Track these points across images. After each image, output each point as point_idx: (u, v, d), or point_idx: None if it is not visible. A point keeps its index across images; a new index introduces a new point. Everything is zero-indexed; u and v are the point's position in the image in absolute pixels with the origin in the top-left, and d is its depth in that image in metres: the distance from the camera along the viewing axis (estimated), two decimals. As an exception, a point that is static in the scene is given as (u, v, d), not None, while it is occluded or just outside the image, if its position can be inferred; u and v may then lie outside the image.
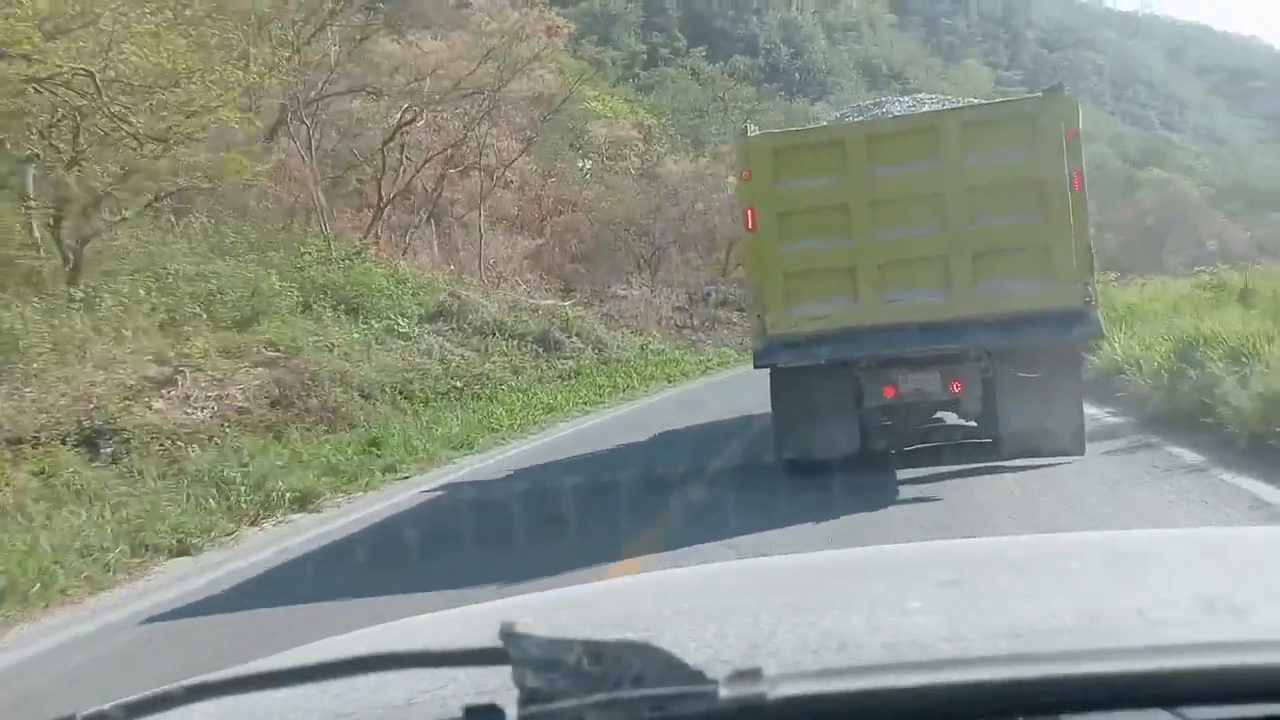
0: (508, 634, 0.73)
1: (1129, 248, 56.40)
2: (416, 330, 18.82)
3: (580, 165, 40.58)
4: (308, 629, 4.11)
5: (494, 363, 18.26)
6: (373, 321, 18.49)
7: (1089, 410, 7.70)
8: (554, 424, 13.49)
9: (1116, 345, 9.66)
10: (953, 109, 7.57)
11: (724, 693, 0.69)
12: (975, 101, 8.82)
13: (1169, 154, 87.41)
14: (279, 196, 24.00)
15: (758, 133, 7.27)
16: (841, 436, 6.97)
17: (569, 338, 20.60)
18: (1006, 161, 6.60)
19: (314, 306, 17.83)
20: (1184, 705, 0.75)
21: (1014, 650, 0.80)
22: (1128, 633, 0.83)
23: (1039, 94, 6.95)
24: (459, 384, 15.85)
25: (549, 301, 24.46)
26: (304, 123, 21.36)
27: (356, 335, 17.23)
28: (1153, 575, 1.12)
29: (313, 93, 22.98)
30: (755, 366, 7.08)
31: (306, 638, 1.44)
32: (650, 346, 23.85)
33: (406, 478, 9.46)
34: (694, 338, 28.32)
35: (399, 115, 23.41)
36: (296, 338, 15.14)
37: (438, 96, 22.74)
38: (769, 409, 7.28)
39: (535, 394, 15.92)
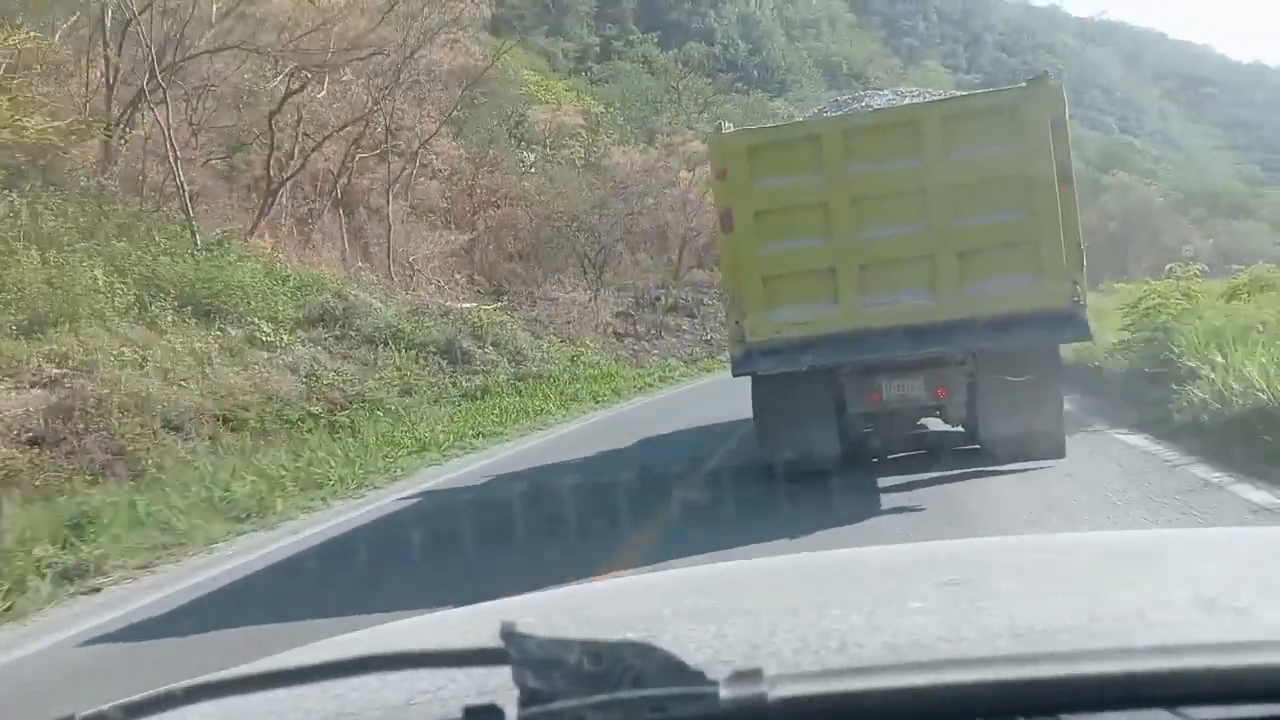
0: (508, 634, 0.72)
1: (1094, 253, 54.33)
2: (287, 338, 15.13)
3: (524, 157, 36.92)
4: None
5: (380, 379, 14.62)
6: (229, 328, 14.76)
7: (1237, 490, 5.50)
8: (417, 470, 9.86)
9: (1250, 371, 6.41)
10: (934, 101, 7.27)
11: (724, 693, 0.69)
12: (957, 93, 8.53)
13: (1130, 158, 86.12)
14: (146, 176, 20.14)
15: (732, 129, 6.98)
16: (825, 444, 6.80)
17: (481, 348, 17.00)
18: (991, 155, 6.32)
19: (151, 308, 14.08)
20: (1184, 705, 0.73)
21: (1014, 650, 0.80)
22: (1128, 633, 0.83)
23: (1023, 84, 6.60)
24: (318, 409, 12.18)
25: (466, 304, 20.83)
26: (161, 85, 17.52)
27: (198, 345, 13.49)
28: (1153, 575, 1.12)
29: (185, 54, 19.19)
30: (734, 374, 6.75)
31: None
32: (583, 358, 20.34)
33: (99, 589, 5.66)
34: (636, 347, 24.84)
35: (286, 80, 19.64)
36: (97, 349, 11.38)
37: (331, 56, 18.95)
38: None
39: (417, 423, 12.30)
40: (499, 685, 0.74)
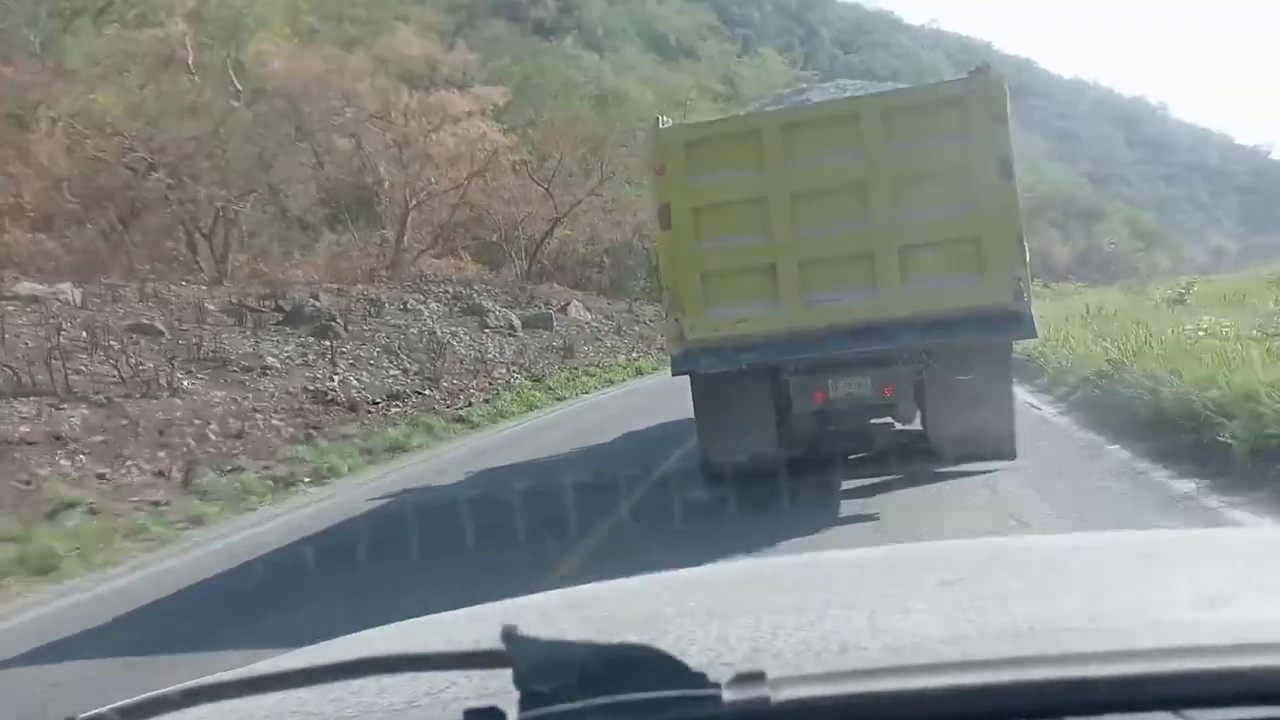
0: (509, 636, 0.71)
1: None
2: None
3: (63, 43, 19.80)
4: None
5: None
6: None
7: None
8: None
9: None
10: (874, 94, 7.07)
11: (726, 696, 0.68)
12: (898, 86, 8.91)
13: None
14: None
15: (670, 124, 6.73)
16: (769, 445, 6.44)
17: None
18: (933, 149, 6.03)
19: None
20: (1186, 707, 0.72)
21: (1016, 652, 0.78)
22: (1130, 634, 0.82)
23: (964, 75, 6.28)
24: None
25: None
26: None
27: None
28: (1154, 576, 1.11)
29: None
30: (673, 374, 6.47)
31: None
32: None
33: None
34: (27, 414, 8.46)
35: None
36: None
37: None
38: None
39: None
40: (500, 687, 0.72)
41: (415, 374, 14.00)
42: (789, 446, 6.55)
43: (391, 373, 13.80)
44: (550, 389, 15.53)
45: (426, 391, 13.35)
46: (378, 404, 12.39)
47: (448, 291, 22.34)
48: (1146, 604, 0.91)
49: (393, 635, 1.19)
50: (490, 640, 0.72)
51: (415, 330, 16.50)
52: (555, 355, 19.17)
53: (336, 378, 12.59)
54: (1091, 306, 15.84)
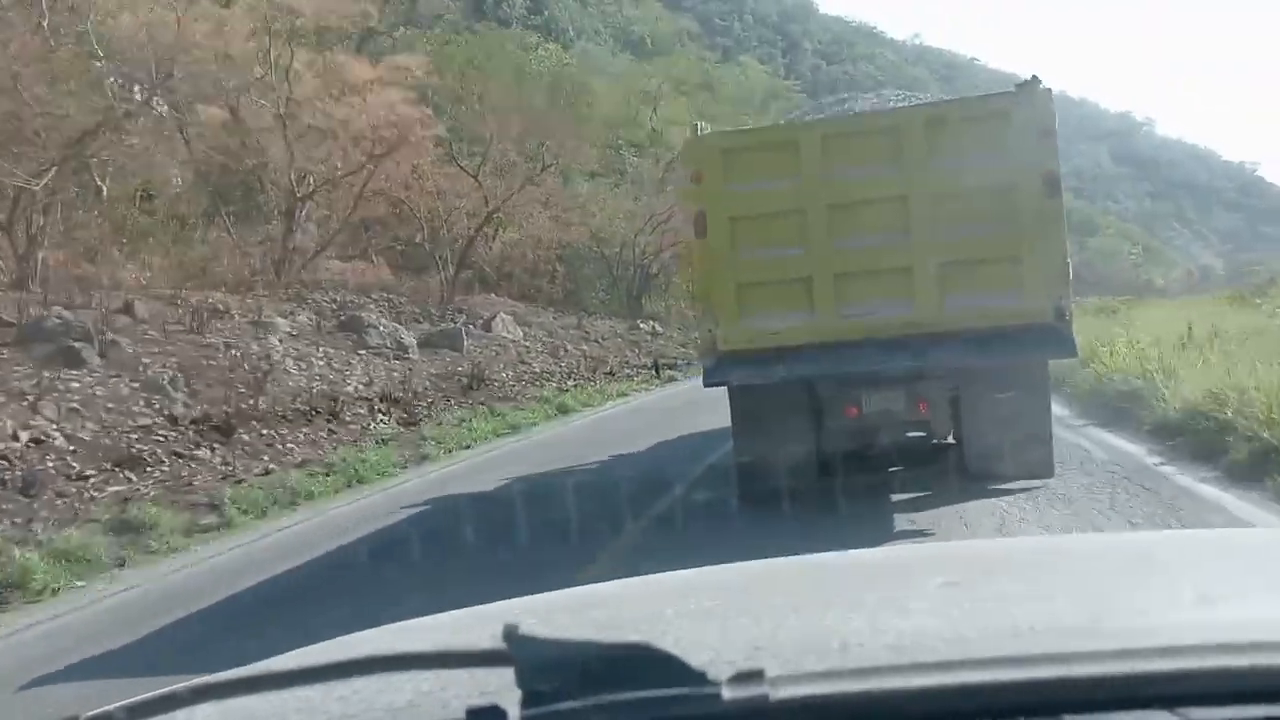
0: (510, 635, 0.71)
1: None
2: None
3: None
4: None
5: None
6: None
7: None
8: None
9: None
10: (917, 106, 6.95)
11: (726, 694, 0.68)
12: (942, 98, 8.73)
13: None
14: None
15: (708, 131, 6.52)
16: (802, 458, 6.26)
17: None
18: (976, 164, 5.81)
19: None
20: (1186, 706, 0.71)
21: (1016, 651, 0.78)
22: (1130, 633, 0.81)
23: (1012, 89, 6.07)
24: None
25: None
26: None
27: None
28: (1154, 575, 1.10)
29: None
30: (705, 384, 6.31)
31: None
32: None
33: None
34: None
35: None
36: None
37: None
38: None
39: None
40: (501, 686, 0.72)
41: (193, 423, 9.00)
42: (824, 459, 6.31)
43: (145, 420, 8.80)
44: (421, 440, 10.52)
45: (198, 451, 8.37)
46: (87, 478, 7.39)
47: (334, 301, 17.32)
48: (1147, 604, 0.91)
49: (395, 634, 1.17)
50: (492, 639, 0.71)
51: (238, 353, 11.45)
52: (455, 385, 14.21)
53: (25, 434, 7.58)
54: (1197, 326, 11.16)
